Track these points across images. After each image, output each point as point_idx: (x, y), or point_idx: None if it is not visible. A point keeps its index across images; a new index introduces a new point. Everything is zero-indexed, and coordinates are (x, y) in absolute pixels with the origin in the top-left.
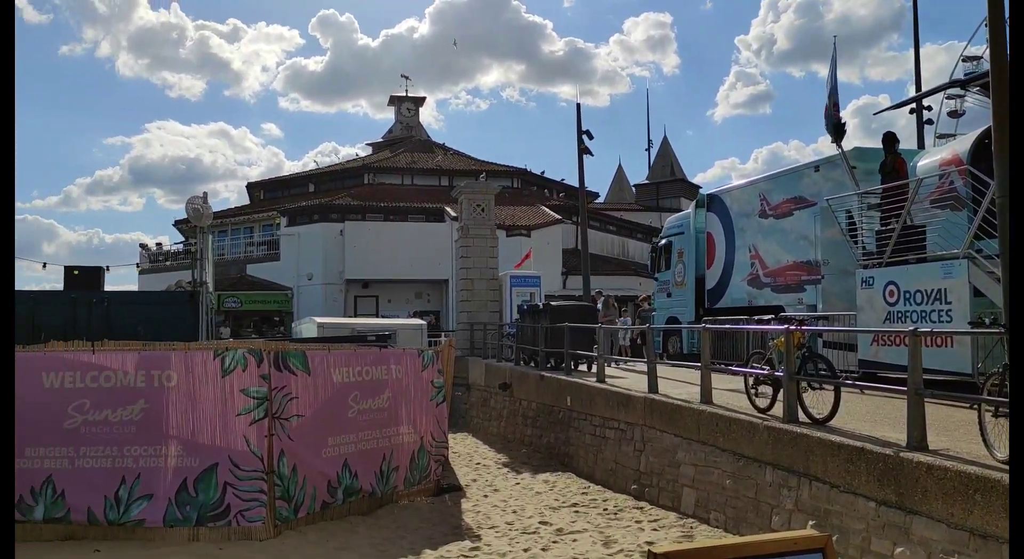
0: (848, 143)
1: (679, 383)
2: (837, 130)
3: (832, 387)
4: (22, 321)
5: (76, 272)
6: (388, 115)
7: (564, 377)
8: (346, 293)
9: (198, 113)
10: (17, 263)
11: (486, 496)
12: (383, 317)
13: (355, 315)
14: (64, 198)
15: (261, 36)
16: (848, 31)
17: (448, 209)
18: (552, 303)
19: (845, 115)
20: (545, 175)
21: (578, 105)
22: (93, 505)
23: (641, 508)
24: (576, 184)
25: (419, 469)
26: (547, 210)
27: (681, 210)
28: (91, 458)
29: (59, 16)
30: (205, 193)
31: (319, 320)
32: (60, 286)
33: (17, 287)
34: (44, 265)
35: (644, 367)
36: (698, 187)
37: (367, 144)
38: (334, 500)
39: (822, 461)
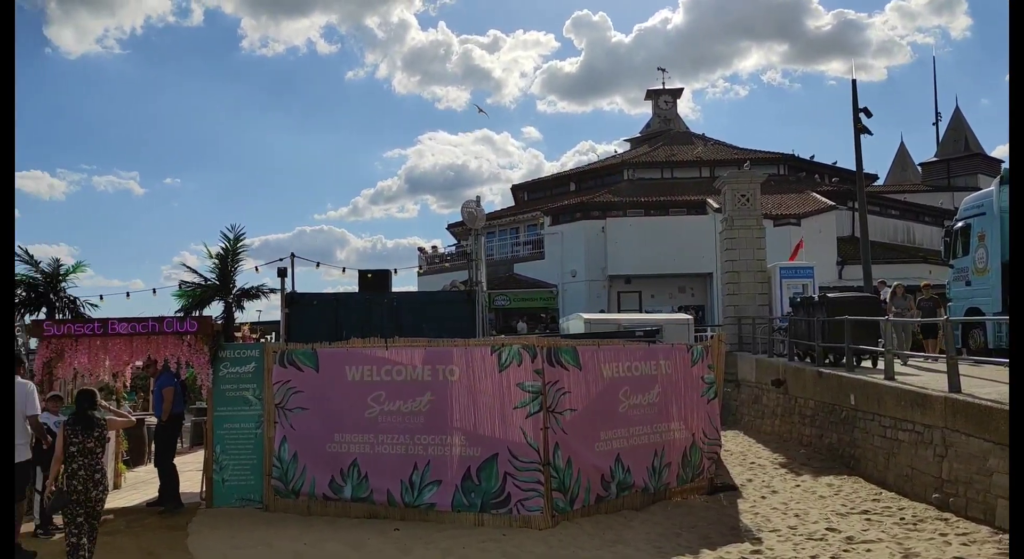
0: None
1: (985, 381)
2: None
3: None
4: (328, 320)
5: (369, 275)
6: (644, 110)
7: (845, 374)
8: (609, 289)
9: (464, 122)
10: (322, 268)
11: (764, 497)
12: (647, 312)
13: (618, 311)
14: (352, 208)
15: (519, 43)
16: None
17: (710, 201)
18: (828, 295)
19: None
20: (815, 160)
21: (853, 82)
22: (391, 488)
23: (945, 519)
24: (851, 167)
25: (691, 466)
26: (818, 197)
27: (979, 188)
28: (388, 445)
29: (345, 46)
30: (478, 197)
31: (586, 316)
32: (354, 288)
33: (319, 290)
34: (344, 270)
35: (936, 364)
36: (1000, 161)
37: (624, 140)
38: (608, 494)
39: None
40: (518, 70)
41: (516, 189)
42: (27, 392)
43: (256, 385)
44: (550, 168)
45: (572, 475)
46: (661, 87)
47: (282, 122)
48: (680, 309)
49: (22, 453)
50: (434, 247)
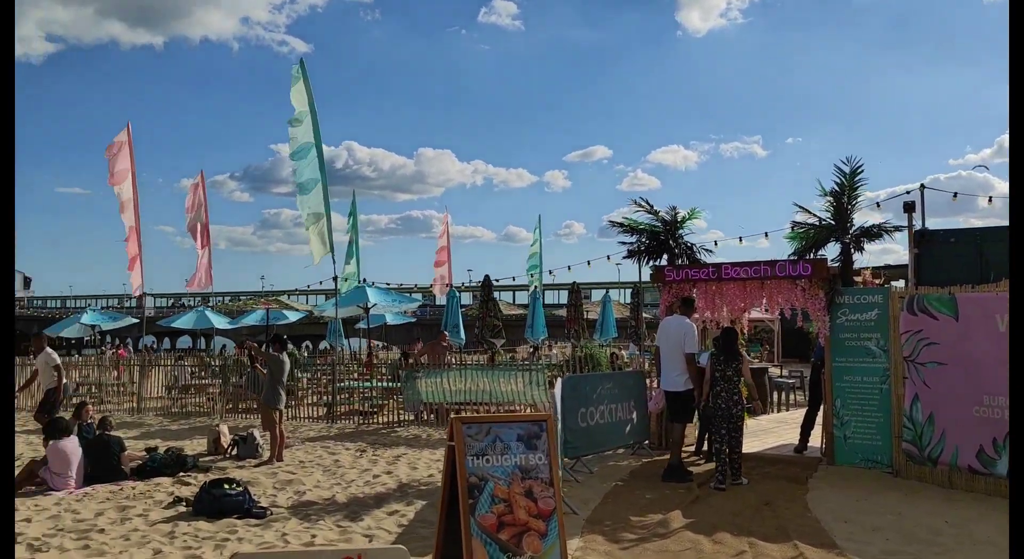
0: None
1: None
2: None
3: None
4: (969, 259)
5: None
6: None
7: None
8: None
9: None
10: (956, 218)
11: None
12: None
13: None
14: (997, 148)
15: None
16: None
17: None
18: None
19: None
20: None
21: None
22: None
23: None
24: None
25: None
26: None
27: None
28: None
29: None
30: None
31: None
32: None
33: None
34: (990, 199)
35: None
36: None
37: None
38: None
39: None
40: None
41: None
42: (686, 332)
43: (880, 334)
44: None
45: None
46: None
47: (906, 64)
48: None
49: (683, 384)
50: None
